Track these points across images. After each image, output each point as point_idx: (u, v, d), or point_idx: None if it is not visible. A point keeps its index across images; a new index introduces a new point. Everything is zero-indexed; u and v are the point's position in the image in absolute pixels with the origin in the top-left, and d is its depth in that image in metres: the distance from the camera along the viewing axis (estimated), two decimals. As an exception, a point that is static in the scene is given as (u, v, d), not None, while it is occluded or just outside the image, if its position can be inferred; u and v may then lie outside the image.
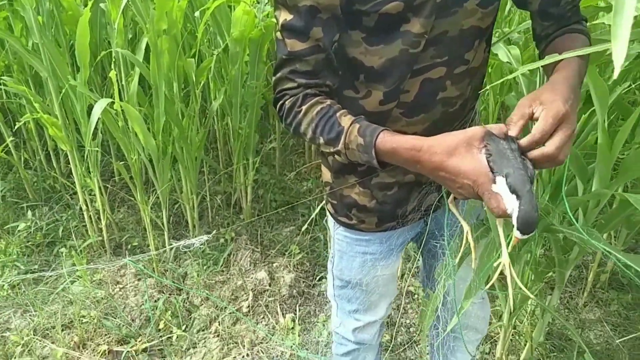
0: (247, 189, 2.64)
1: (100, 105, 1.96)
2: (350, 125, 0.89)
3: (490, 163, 0.76)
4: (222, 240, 2.50)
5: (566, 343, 1.96)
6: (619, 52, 0.55)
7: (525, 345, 1.87)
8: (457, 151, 0.78)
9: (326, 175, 1.19)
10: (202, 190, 2.61)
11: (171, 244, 2.44)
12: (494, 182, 0.75)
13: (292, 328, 2.01)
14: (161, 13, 1.96)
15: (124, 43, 2.13)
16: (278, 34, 0.92)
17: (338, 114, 0.92)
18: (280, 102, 0.96)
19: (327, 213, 1.26)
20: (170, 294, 2.22)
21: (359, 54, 0.93)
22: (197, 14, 2.23)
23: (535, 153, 0.78)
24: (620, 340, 1.89)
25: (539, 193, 1.44)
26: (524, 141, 0.78)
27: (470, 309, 1.36)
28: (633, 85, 1.67)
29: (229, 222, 2.65)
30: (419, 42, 0.90)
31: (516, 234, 0.74)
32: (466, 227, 0.92)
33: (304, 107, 0.93)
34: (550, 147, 0.77)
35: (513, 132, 0.80)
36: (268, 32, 2.26)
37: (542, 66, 1.01)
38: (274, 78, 0.97)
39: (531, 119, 0.81)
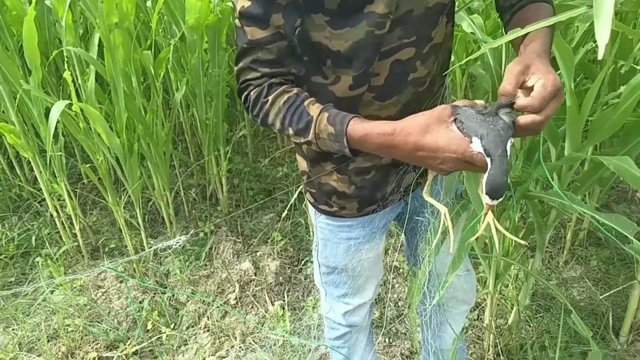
0: (222, 179, 2.59)
1: (57, 108, 1.87)
2: (320, 114, 0.87)
3: (464, 130, 0.76)
4: (201, 234, 2.46)
5: (551, 303, 2.00)
6: (602, 32, 0.53)
7: (512, 309, 1.90)
8: (430, 128, 0.78)
9: (302, 164, 1.16)
10: (175, 185, 2.55)
11: (149, 243, 2.39)
12: (472, 143, 0.75)
13: (282, 315, 2.00)
14: (111, 6, 1.87)
15: (76, 40, 2.03)
16: (237, 21, 0.88)
17: (306, 103, 0.90)
18: (245, 93, 0.94)
19: (307, 202, 1.24)
20: (155, 294, 2.18)
21: (323, 38, 0.90)
22: (149, 3, 2.13)
23: (526, 119, 0.76)
24: (603, 295, 1.93)
25: (512, 161, 1.44)
26: (521, 101, 0.76)
27: (456, 281, 1.37)
28: (594, 45, 1.66)
29: (206, 215, 2.60)
30: (384, 22, 0.87)
31: (485, 199, 0.74)
32: (443, 209, 0.91)
33: (270, 98, 0.90)
34: (542, 115, 0.76)
35: (519, 101, 0.77)
36: (225, 18, 2.18)
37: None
38: (235, 68, 0.93)
39: (521, 87, 0.78)
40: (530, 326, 1.93)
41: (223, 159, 2.54)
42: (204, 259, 2.32)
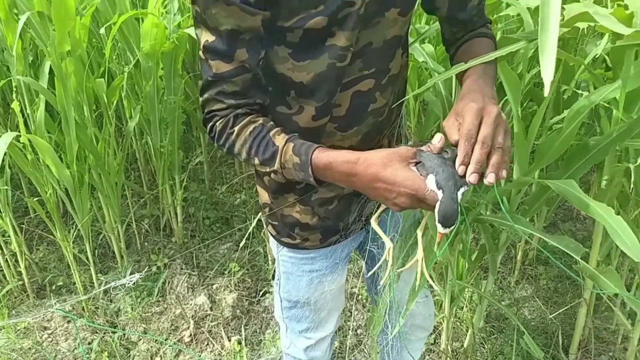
0: (177, 209, 2.52)
1: (4, 141, 1.78)
2: (285, 144, 0.89)
3: (421, 170, 0.79)
4: (154, 268, 2.38)
5: (504, 324, 2.04)
6: (548, 68, 0.56)
7: (467, 331, 1.93)
8: (392, 163, 0.80)
9: (264, 196, 1.15)
10: (127, 216, 2.46)
11: (99, 279, 2.29)
12: (426, 180, 0.78)
13: (239, 351, 1.94)
14: (63, 33, 1.82)
15: (25, 69, 1.96)
16: (201, 54, 0.89)
17: (271, 133, 0.91)
18: (211, 123, 0.94)
19: (269, 235, 1.22)
20: (104, 334, 2.08)
21: (286, 69, 0.91)
22: (102, 30, 2.10)
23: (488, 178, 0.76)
24: (553, 314, 1.99)
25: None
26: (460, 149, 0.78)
27: (415, 308, 1.38)
28: (539, 69, 1.75)
29: (159, 247, 2.52)
30: (346, 55, 0.90)
31: (438, 228, 0.76)
32: (388, 244, 0.93)
33: (235, 128, 0.91)
34: (489, 179, 0.75)
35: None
36: (182, 44, 2.17)
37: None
38: (201, 99, 0.94)
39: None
40: (485, 348, 1.95)
41: (178, 188, 2.49)
42: (157, 295, 2.24)
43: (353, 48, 0.89)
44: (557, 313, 1.97)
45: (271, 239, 1.22)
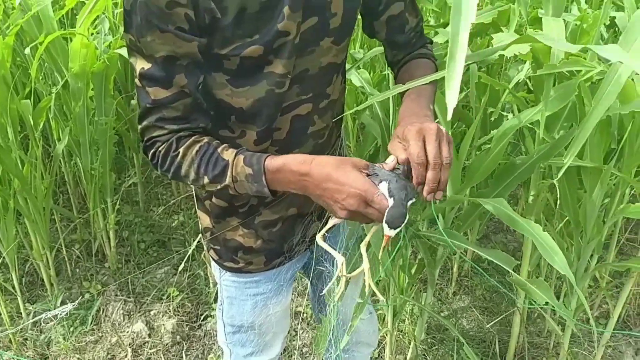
0: (109, 233, 2.42)
1: None
2: (235, 157, 0.88)
3: (373, 179, 0.82)
4: (87, 295, 2.26)
5: (444, 334, 2.11)
6: (452, 96, 0.62)
7: (409, 344, 1.98)
8: (344, 166, 0.82)
9: (205, 220, 1.14)
10: (56, 242, 2.34)
11: (27, 309, 2.15)
12: (378, 187, 0.81)
13: (182, 378, 1.88)
14: (-17, 53, 1.72)
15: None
16: (137, 81, 0.87)
17: (219, 150, 0.90)
18: (152, 150, 0.92)
19: (211, 260, 1.20)
20: (34, 368, 1.95)
21: (225, 95, 0.92)
22: (27, 50, 2.00)
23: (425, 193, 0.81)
24: (490, 324, 2.08)
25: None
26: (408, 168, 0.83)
27: (360, 325, 1.39)
28: (466, 90, 1.85)
29: (92, 273, 2.40)
30: (284, 82, 0.92)
31: (385, 230, 0.80)
32: (340, 259, 0.94)
33: (180, 150, 0.90)
34: (429, 152, 0.80)
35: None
36: (113, 64, 2.10)
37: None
38: (140, 126, 0.92)
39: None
40: (427, 359, 2.01)
41: (110, 211, 2.39)
42: (91, 323, 2.13)
43: (290, 75, 0.91)
44: (493, 322, 2.06)
45: (213, 263, 1.20)
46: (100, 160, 2.25)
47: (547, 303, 1.30)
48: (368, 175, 0.83)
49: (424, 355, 2.02)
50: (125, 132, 2.54)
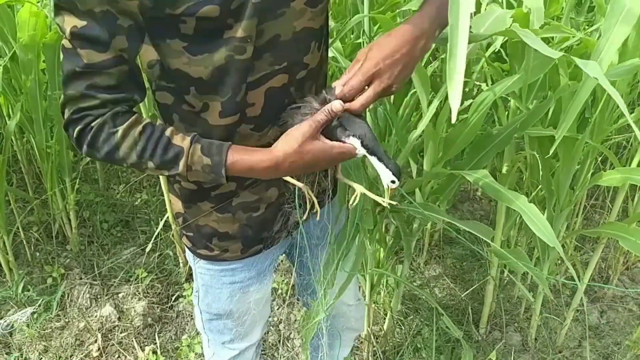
0: (69, 214, 2.31)
1: None
2: (191, 145, 0.85)
3: (340, 132, 0.88)
4: (49, 279, 2.16)
5: (417, 304, 2.13)
6: (456, 96, 0.58)
7: (385, 315, 1.99)
8: (306, 145, 0.86)
9: (176, 205, 1.07)
10: (13, 225, 2.21)
11: (-16, 297, 2.03)
12: (349, 141, 0.88)
13: (155, 360, 1.83)
14: None
15: None
16: (66, 42, 0.78)
17: (168, 133, 0.85)
18: (79, 125, 0.83)
19: (184, 246, 1.14)
20: (-4, 358, 1.86)
21: (182, 64, 0.83)
22: (-32, 19, 1.83)
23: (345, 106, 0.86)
24: (465, 293, 2.12)
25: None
26: (336, 92, 0.87)
27: (347, 312, 1.38)
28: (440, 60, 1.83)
29: (53, 256, 2.29)
30: (244, 47, 0.83)
31: (391, 185, 0.91)
32: (359, 188, 0.98)
33: (120, 129, 0.82)
34: (354, 103, 0.87)
35: (337, 91, 0.87)
36: (66, 35, 1.96)
37: None
38: (64, 96, 0.82)
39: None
40: (402, 329, 2.03)
41: (70, 191, 2.27)
42: (56, 309, 2.04)
43: (254, 40, 0.84)
44: (468, 291, 2.10)
45: (187, 250, 1.14)
46: (56, 137, 2.12)
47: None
48: (336, 127, 0.87)
49: (399, 325, 2.04)
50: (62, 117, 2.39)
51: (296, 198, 1.00)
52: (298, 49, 0.91)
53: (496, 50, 1.63)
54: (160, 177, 2.04)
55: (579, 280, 1.71)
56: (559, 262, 2.13)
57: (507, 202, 1.08)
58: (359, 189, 0.98)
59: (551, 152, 1.12)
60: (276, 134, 0.93)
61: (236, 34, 0.81)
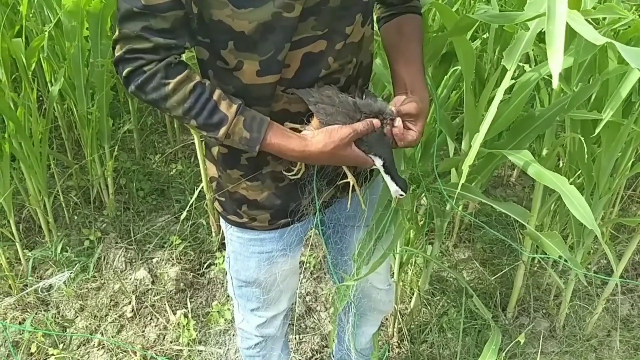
0: (107, 180, 2.37)
1: None
2: (235, 116, 0.87)
3: (361, 145, 0.95)
4: (87, 242, 2.23)
5: (445, 285, 2.13)
6: (556, 59, 0.56)
7: (412, 294, 2.00)
8: (337, 152, 0.93)
9: (212, 170, 1.08)
10: (53, 189, 2.28)
11: (25, 255, 2.12)
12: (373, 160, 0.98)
13: (186, 324, 1.89)
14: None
15: None
16: None
17: (215, 97, 0.87)
18: (131, 66, 0.85)
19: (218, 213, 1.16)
20: (37, 312, 1.94)
21: (225, 17, 0.82)
22: (16, -16, 1.88)
23: (400, 136, 0.96)
24: (494, 277, 2.10)
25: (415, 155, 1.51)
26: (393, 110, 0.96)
27: (376, 295, 1.38)
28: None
29: (90, 220, 2.37)
30: (293, 5, 0.82)
31: (399, 196, 1.04)
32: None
33: (172, 82, 0.85)
34: (412, 134, 0.97)
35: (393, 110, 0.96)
36: (110, 4, 1.99)
37: (383, 44, 1.09)
38: (118, 33, 0.84)
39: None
40: (428, 309, 2.04)
41: (108, 158, 2.33)
42: (93, 270, 2.12)
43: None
44: (497, 275, 2.08)
45: (220, 217, 1.16)
46: (97, 104, 2.17)
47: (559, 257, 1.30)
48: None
49: (425, 305, 2.05)
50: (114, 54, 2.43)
51: (314, 181, 1.05)
52: (342, 17, 0.90)
53: (543, 30, 1.59)
54: (197, 146, 2.07)
55: (615, 267, 1.67)
56: (592, 251, 2.09)
57: (549, 183, 1.06)
58: (352, 181, 1.05)
59: (595, 134, 1.10)
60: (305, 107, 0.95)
61: None
